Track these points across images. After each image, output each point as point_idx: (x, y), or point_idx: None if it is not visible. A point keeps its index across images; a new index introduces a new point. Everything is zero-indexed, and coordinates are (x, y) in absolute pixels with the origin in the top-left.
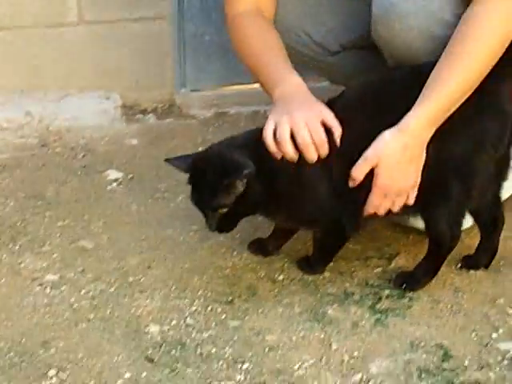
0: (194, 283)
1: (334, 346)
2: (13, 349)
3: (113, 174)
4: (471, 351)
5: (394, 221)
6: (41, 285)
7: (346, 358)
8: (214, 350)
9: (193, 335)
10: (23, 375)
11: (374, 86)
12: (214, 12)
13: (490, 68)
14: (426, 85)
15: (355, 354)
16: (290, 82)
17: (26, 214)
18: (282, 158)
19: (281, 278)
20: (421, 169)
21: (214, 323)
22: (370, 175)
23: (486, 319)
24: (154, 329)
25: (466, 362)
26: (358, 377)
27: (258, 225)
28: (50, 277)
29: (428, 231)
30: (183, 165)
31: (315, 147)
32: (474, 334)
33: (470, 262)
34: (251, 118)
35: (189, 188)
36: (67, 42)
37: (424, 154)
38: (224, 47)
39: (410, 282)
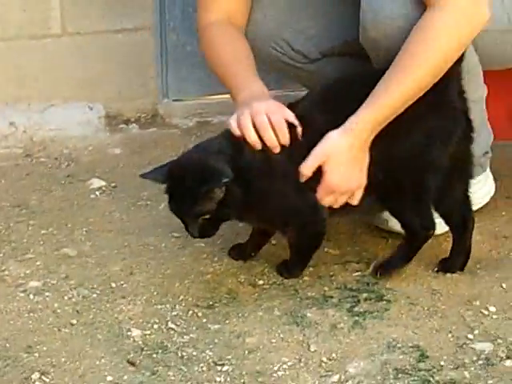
0: (176, 288)
1: (313, 348)
2: None
3: (96, 183)
4: (447, 351)
5: (374, 223)
6: (24, 291)
7: (325, 359)
8: (194, 353)
9: (174, 339)
10: (7, 379)
11: (334, 89)
12: (195, 23)
13: (442, 74)
14: (375, 89)
15: (333, 355)
16: (253, 89)
17: (10, 223)
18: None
19: (261, 282)
20: (365, 170)
21: (194, 327)
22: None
23: (461, 320)
24: (135, 333)
25: (442, 362)
26: (335, 377)
27: (239, 230)
28: (34, 283)
29: (401, 226)
30: (159, 176)
31: (274, 132)
32: (450, 335)
33: (446, 266)
34: None
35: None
36: (51, 54)
37: (367, 156)
38: None
39: (386, 268)
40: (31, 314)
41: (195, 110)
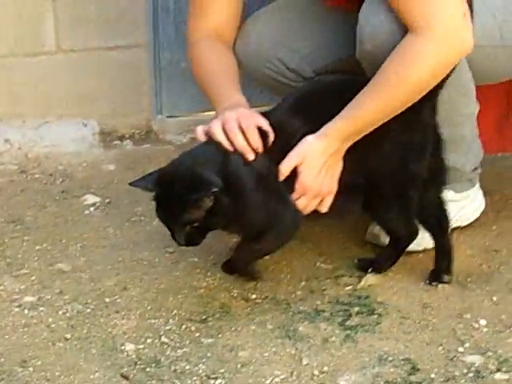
0: (169, 303)
1: (305, 362)
2: None
3: (90, 199)
4: (438, 364)
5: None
6: (19, 306)
7: (317, 372)
8: (187, 367)
9: (167, 353)
10: None
11: (308, 96)
12: None
13: (417, 99)
14: (352, 102)
15: (325, 368)
16: (231, 101)
17: (4, 238)
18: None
19: (253, 296)
20: (336, 178)
21: (188, 341)
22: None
23: (452, 334)
24: (129, 347)
25: (433, 375)
26: None
27: (232, 245)
28: (29, 298)
29: (386, 232)
30: (148, 184)
31: (244, 137)
32: (440, 348)
33: (435, 275)
34: None
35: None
36: (45, 71)
37: (340, 164)
38: None
39: (373, 267)
40: (26, 329)
41: (189, 126)
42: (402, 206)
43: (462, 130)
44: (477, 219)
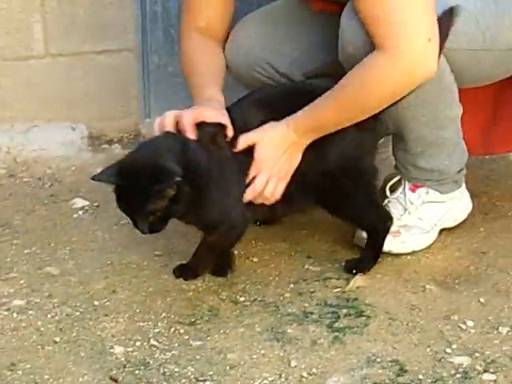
0: (158, 306)
1: (293, 364)
2: None
3: (79, 203)
4: (426, 366)
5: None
6: (8, 310)
7: (305, 374)
8: (176, 369)
9: (156, 355)
10: None
11: (270, 93)
12: (176, 44)
13: (373, 113)
14: (316, 100)
15: (314, 370)
16: (205, 97)
17: None
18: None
19: (242, 299)
20: (293, 169)
21: (176, 343)
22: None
23: (440, 335)
24: (118, 350)
25: (421, 376)
26: None
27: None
28: (17, 302)
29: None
30: (110, 177)
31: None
32: (428, 350)
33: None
34: None
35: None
36: (34, 75)
37: (298, 159)
38: None
39: (360, 267)
40: (14, 332)
41: None
42: (368, 199)
43: (446, 132)
44: (464, 221)
